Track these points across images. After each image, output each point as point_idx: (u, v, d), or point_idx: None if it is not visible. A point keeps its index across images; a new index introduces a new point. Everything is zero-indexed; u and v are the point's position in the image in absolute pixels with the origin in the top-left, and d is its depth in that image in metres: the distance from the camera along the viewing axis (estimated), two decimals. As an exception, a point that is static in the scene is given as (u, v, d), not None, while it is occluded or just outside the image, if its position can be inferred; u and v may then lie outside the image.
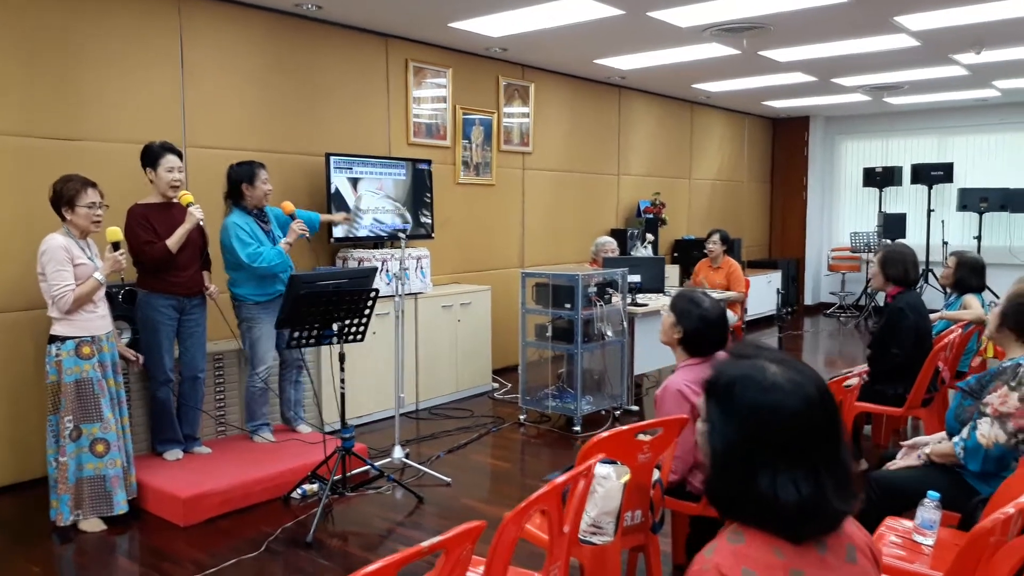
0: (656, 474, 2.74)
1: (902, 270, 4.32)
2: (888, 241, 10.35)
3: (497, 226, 7.33)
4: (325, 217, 5.39)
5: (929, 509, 2.54)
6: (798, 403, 1.32)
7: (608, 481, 2.52)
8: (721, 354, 3.05)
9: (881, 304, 10.45)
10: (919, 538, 2.56)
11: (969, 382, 2.92)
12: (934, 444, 2.98)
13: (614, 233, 8.26)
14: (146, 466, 4.21)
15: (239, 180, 4.57)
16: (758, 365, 1.37)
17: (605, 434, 2.43)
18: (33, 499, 4.17)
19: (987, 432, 2.68)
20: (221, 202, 4.95)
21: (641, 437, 2.61)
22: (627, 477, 2.58)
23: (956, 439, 2.79)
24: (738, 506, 1.36)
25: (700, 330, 2.99)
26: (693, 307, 3.02)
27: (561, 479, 1.99)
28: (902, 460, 3.01)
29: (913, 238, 10.38)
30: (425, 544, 1.57)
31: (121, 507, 3.84)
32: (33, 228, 4.19)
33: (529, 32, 6.04)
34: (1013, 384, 2.69)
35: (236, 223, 4.50)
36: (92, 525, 3.80)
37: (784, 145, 11.84)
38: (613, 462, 2.54)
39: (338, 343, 4.10)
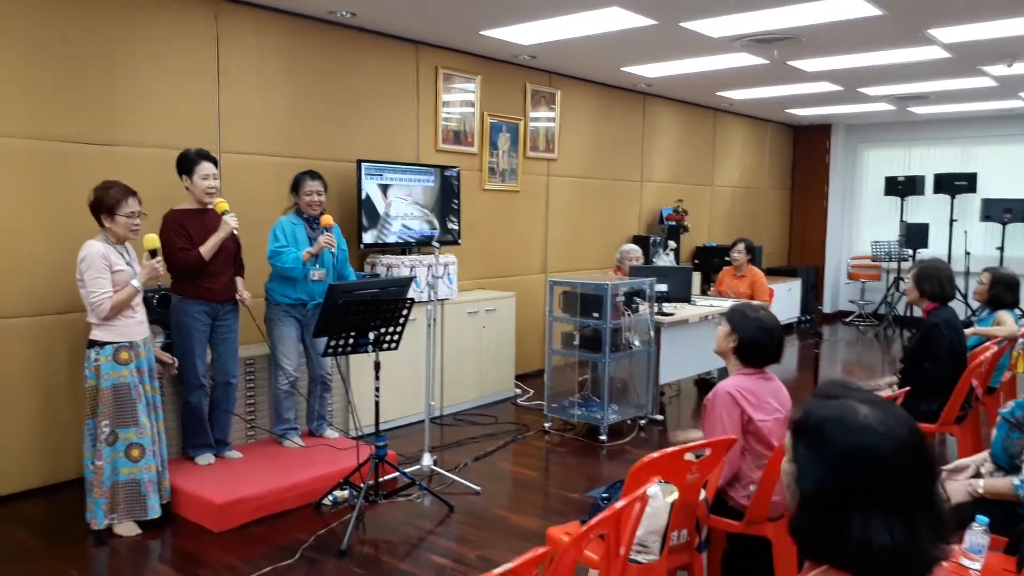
0: (702, 493, 2.74)
1: (937, 286, 4.30)
2: (910, 252, 10.32)
3: (521, 232, 7.34)
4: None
5: (978, 534, 2.52)
6: (891, 446, 1.30)
7: (655, 500, 2.52)
8: (783, 398, 3.04)
9: (901, 313, 10.43)
10: (967, 562, 2.54)
11: (1015, 412, 2.89)
12: (987, 480, 2.93)
13: (637, 240, 8.25)
14: (178, 470, 4.24)
15: (292, 188, 4.76)
16: (849, 406, 1.36)
17: (656, 455, 2.43)
18: (66, 502, 4.21)
19: None
20: (254, 207, 5.04)
21: (688, 456, 2.61)
22: (674, 496, 2.58)
23: (1016, 481, 2.76)
24: (827, 549, 1.34)
25: (756, 338, 3.00)
26: (749, 316, 3.04)
27: (620, 504, 1.99)
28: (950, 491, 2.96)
29: (935, 248, 10.33)
30: (496, 572, 1.57)
31: (155, 511, 3.86)
32: (66, 232, 4.23)
33: (559, 40, 6.04)
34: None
35: (281, 221, 4.69)
36: (127, 529, 3.82)
37: (805, 153, 11.80)
38: (660, 481, 2.54)
39: (373, 351, 4.12)
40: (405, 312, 4.13)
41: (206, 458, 4.43)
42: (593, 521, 1.92)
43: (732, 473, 2.98)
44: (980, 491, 2.87)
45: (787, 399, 3.07)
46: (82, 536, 3.82)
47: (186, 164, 4.26)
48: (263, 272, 4.99)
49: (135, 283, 3.81)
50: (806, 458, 1.36)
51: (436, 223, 6.13)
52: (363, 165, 5.59)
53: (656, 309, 5.79)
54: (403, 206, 5.88)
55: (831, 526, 1.31)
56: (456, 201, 6.30)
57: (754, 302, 6.74)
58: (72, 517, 3.98)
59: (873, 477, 1.29)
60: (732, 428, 2.86)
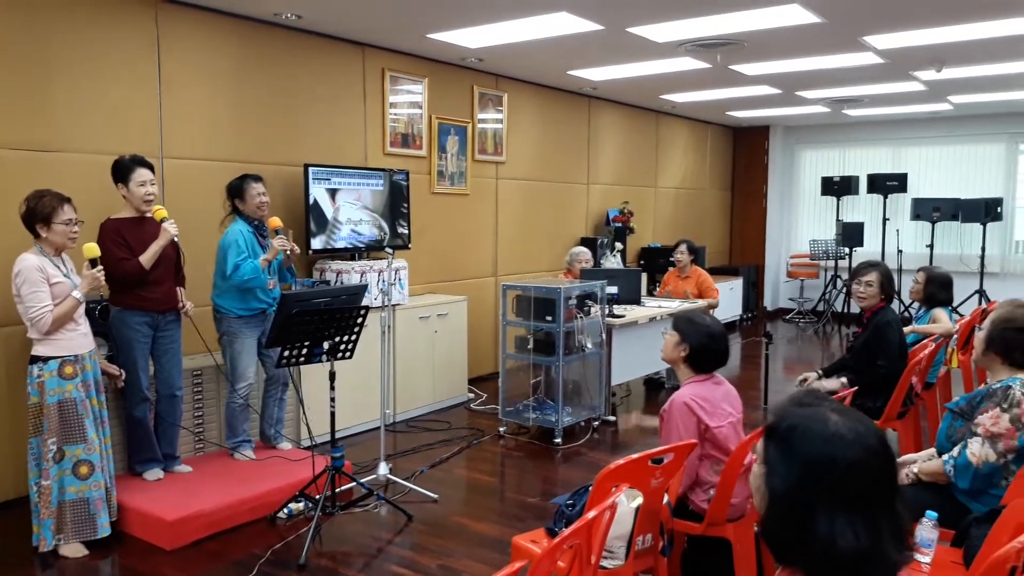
0: (665, 497, 2.79)
1: (894, 288, 4.50)
2: (846, 250, 10.64)
3: (471, 235, 7.33)
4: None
5: (927, 528, 2.63)
6: (859, 452, 1.34)
7: (620, 506, 2.55)
8: (737, 403, 3.11)
9: (839, 310, 10.75)
10: (918, 556, 2.64)
11: (959, 403, 3.02)
12: (922, 462, 3.08)
13: (584, 241, 8.33)
14: (126, 487, 4.10)
15: (232, 195, 4.62)
16: (820, 413, 1.40)
17: (621, 461, 2.46)
18: (6, 523, 4.04)
19: (978, 451, 2.79)
20: (199, 214, 4.91)
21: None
22: (638, 502, 2.62)
23: (946, 457, 2.90)
24: (794, 550, 1.37)
25: (705, 344, 3.06)
26: (696, 324, 3.10)
27: (592, 514, 2.01)
28: None
29: (870, 246, 10.69)
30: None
31: (104, 530, 3.74)
32: (2, 242, 4.05)
33: (507, 44, 6.05)
34: (1005, 406, 2.80)
35: (236, 232, 4.52)
36: (73, 550, 3.68)
37: (744, 154, 12.07)
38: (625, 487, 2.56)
39: (328, 360, 4.06)
40: (360, 320, 4.09)
41: (155, 473, 4.30)
42: (567, 532, 1.93)
43: (692, 479, 3.03)
44: (915, 471, 3.00)
45: (739, 402, 3.14)
46: (26, 559, 3.67)
47: (121, 172, 4.12)
48: (208, 280, 4.86)
49: (76, 294, 3.67)
50: (775, 460, 1.40)
51: (386, 227, 6.08)
52: (310, 169, 5.50)
53: (607, 311, 5.85)
54: (352, 211, 5.81)
55: (798, 526, 1.34)
56: (405, 205, 6.25)
57: (700, 302, 6.89)
58: (14, 539, 3.83)
59: (840, 481, 1.33)
60: (689, 437, 2.91)
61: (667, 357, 3.20)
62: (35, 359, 3.63)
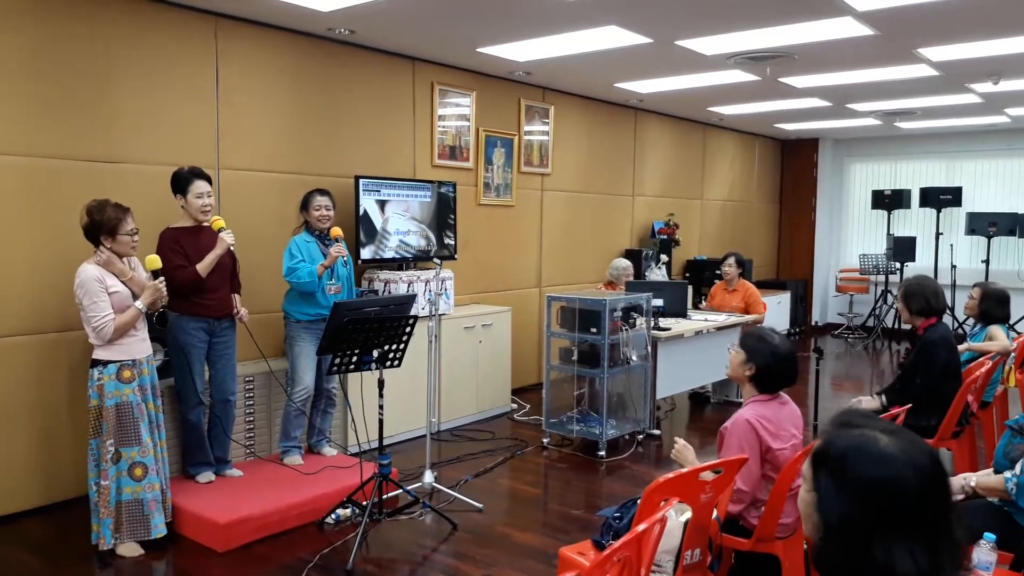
0: (714, 512, 2.77)
1: (924, 302, 4.35)
2: (897, 265, 10.44)
3: (516, 246, 7.37)
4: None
5: (985, 550, 2.56)
6: (912, 474, 1.31)
7: (668, 520, 2.54)
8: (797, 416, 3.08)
9: (889, 326, 10.53)
10: (975, 580, 2.58)
11: (1019, 420, 2.95)
12: (980, 476, 3.00)
13: (629, 254, 8.31)
14: (179, 489, 4.22)
15: (301, 207, 4.83)
16: (869, 435, 1.36)
17: (671, 475, 2.46)
18: (67, 521, 4.18)
19: None
20: (254, 223, 5.05)
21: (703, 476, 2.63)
22: (687, 516, 2.61)
23: (1008, 475, 2.83)
24: None
25: (771, 366, 3.00)
26: (764, 343, 3.02)
27: (642, 527, 2.01)
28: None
29: (922, 261, 10.47)
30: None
31: (159, 530, 3.84)
32: (66, 250, 4.20)
33: (555, 57, 6.09)
34: (1067, 427, 2.73)
35: (295, 240, 4.74)
36: (129, 549, 3.79)
37: (793, 166, 11.93)
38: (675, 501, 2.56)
39: (377, 369, 4.12)
40: (409, 329, 4.14)
41: (206, 476, 4.41)
42: (617, 544, 1.94)
43: (752, 497, 2.97)
44: (972, 484, 2.93)
45: (801, 422, 3.10)
46: (85, 557, 3.78)
47: (180, 183, 4.26)
48: (263, 287, 4.99)
49: (139, 305, 3.80)
50: (828, 488, 1.36)
51: (433, 238, 6.15)
52: (361, 181, 5.60)
53: (653, 324, 5.83)
54: (400, 222, 5.90)
55: (855, 555, 1.31)
56: (452, 216, 6.32)
57: (747, 317, 6.82)
58: (74, 537, 3.95)
59: (896, 506, 1.30)
60: (751, 457, 2.88)
61: (732, 375, 3.14)
62: (95, 363, 3.75)
